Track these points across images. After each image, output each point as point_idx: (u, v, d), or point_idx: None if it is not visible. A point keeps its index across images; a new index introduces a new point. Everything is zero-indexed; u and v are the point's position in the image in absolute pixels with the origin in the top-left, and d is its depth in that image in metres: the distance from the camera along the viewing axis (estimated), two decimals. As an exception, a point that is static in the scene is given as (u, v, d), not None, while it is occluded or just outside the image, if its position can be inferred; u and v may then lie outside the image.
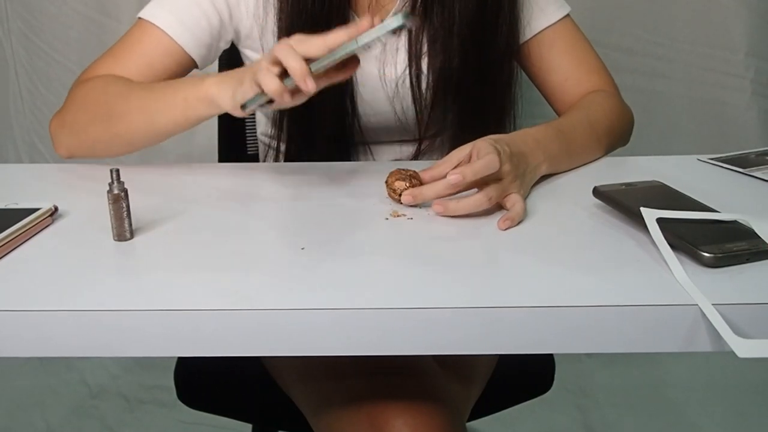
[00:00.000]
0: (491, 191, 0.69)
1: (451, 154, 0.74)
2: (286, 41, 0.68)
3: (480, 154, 0.70)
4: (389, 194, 0.74)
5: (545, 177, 0.82)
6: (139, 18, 0.92)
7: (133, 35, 0.92)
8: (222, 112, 0.77)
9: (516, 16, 0.93)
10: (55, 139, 0.90)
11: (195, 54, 0.92)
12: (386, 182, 0.74)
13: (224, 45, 0.96)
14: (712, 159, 0.88)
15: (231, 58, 1.03)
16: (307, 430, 0.82)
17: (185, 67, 0.93)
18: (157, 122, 0.82)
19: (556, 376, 1.00)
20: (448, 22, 0.90)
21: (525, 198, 0.73)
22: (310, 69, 0.66)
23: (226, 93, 0.74)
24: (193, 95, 0.78)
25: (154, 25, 0.90)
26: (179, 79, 0.84)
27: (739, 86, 1.66)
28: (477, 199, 0.69)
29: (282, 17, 0.90)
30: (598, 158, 0.89)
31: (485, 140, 0.72)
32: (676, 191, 0.71)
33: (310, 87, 0.66)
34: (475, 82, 0.93)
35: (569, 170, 0.85)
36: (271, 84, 0.67)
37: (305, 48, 0.67)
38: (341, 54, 0.65)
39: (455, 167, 0.70)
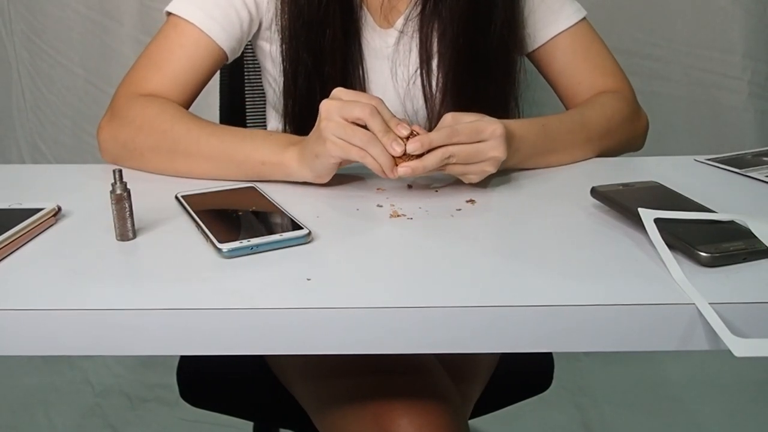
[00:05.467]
0: (454, 169, 0.72)
1: (455, 129, 0.73)
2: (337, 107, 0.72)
3: (488, 137, 0.73)
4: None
5: (544, 177, 0.83)
6: (169, 13, 0.90)
7: (169, 36, 0.90)
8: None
9: (513, 12, 0.93)
10: (103, 147, 0.88)
11: (227, 48, 0.91)
12: None
13: (250, 37, 0.97)
14: (709, 159, 0.88)
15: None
16: (310, 429, 0.83)
17: (220, 62, 0.93)
18: (227, 173, 0.81)
19: (554, 374, 1.01)
20: (455, 16, 0.91)
21: (483, 176, 0.76)
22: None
23: (305, 171, 0.77)
24: (272, 161, 0.78)
25: (187, 21, 0.88)
26: (253, 132, 0.83)
27: (736, 87, 1.66)
28: (436, 155, 0.71)
29: (283, 17, 0.92)
30: (587, 158, 0.89)
31: (494, 125, 0.74)
32: (674, 191, 0.71)
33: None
34: (474, 77, 0.94)
35: (551, 167, 0.86)
36: (386, 161, 0.71)
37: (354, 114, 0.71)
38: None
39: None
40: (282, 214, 0.70)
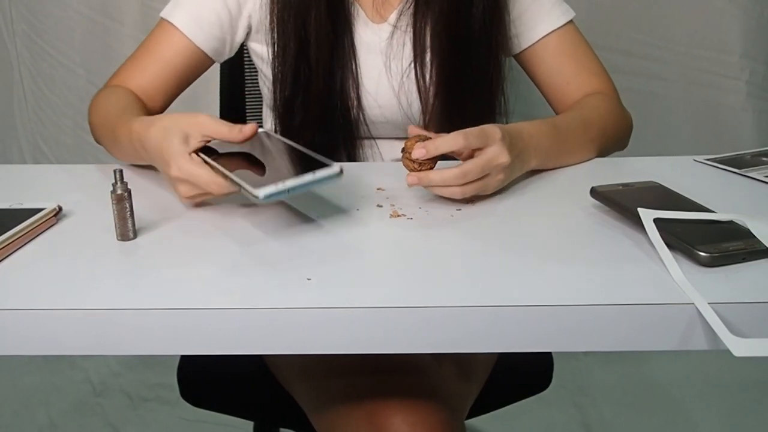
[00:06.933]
0: (469, 188, 0.72)
1: (463, 132, 0.72)
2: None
3: (492, 142, 0.72)
4: (405, 163, 0.73)
5: (543, 177, 0.83)
6: (160, 17, 0.97)
7: (153, 35, 0.97)
8: None
9: (495, 6, 0.94)
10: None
11: (207, 49, 0.96)
12: (404, 149, 0.74)
13: (240, 38, 0.99)
14: (708, 160, 0.88)
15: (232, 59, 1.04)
16: (308, 428, 0.83)
17: (200, 62, 0.97)
18: (130, 161, 0.86)
19: (554, 374, 1.01)
20: (444, 10, 0.92)
21: (502, 185, 0.76)
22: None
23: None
24: (142, 157, 0.79)
25: (170, 24, 0.94)
26: (123, 132, 0.81)
27: (734, 88, 1.66)
28: (452, 191, 0.71)
29: (272, 6, 0.94)
30: (590, 159, 0.89)
31: (496, 128, 0.73)
32: (673, 191, 0.71)
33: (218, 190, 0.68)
34: (465, 70, 0.94)
35: (560, 168, 0.86)
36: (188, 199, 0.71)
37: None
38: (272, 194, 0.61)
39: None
40: (303, 154, 0.68)
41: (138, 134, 0.76)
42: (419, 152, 0.71)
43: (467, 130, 0.72)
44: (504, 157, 0.72)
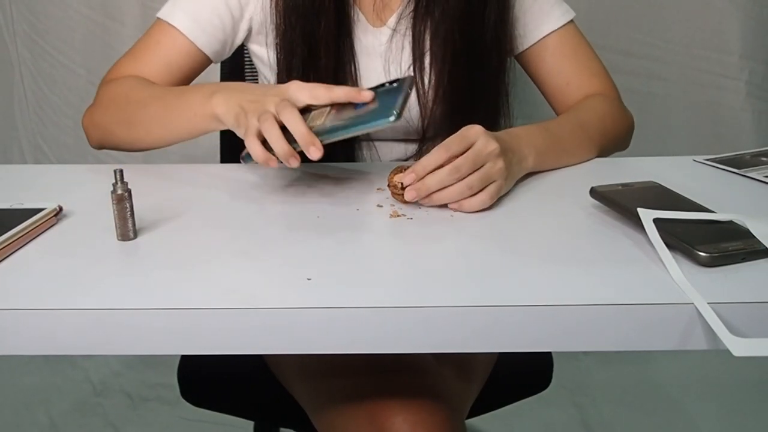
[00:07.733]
0: (473, 179, 0.71)
1: (443, 144, 0.73)
2: (287, 102, 0.72)
3: (475, 138, 0.72)
4: (392, 193, 0.75)
5: (543, 177, 0.83)
6: (157, 18, 0.96)
7: (151, 36, 0.95)
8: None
9: (505, 10, 0.94)
10: (87, 133, 0.95)
11: (209, 51, 0.95)
12: (388, 183, 0.75)
13: (239, 40, 0.99)
14: (707, 160, 0.89)
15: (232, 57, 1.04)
16: (309, 428, 0.83)
17: (200, 63, 0.97)
18: (171, 132, 0.85)
19: (554, 374, 1.01)
20: (448, 15, 0.92)
21: (506, 190, 0.75)
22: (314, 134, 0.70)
23: (229, 116, 0.76)
24: (201, 111, 0.80)
25: (170, 24, 0.93)
26: (191, 89, 0.85)
27: (734, 88, 1.66)
28: (458, 188, 0.71)
29: (278, 10, 0.93)
30: (591, 159, 0.90)
31: (475, 127, 0.74)
32: (672, 192, 0.71)
33: (315, 156, 0.69)
34: (466, 74, 0.94)
35: (560, 168, 0.86)
36: (260, 155, 0.71)
37: (308, 97, 0.72)
38: (344, 134, 0.70)
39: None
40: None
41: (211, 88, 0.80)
42: (409, 177, 0.71)
43: (446, 140, 0.72)
44: (492, 145, 0.72)
